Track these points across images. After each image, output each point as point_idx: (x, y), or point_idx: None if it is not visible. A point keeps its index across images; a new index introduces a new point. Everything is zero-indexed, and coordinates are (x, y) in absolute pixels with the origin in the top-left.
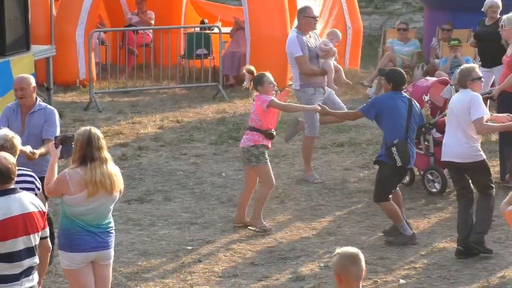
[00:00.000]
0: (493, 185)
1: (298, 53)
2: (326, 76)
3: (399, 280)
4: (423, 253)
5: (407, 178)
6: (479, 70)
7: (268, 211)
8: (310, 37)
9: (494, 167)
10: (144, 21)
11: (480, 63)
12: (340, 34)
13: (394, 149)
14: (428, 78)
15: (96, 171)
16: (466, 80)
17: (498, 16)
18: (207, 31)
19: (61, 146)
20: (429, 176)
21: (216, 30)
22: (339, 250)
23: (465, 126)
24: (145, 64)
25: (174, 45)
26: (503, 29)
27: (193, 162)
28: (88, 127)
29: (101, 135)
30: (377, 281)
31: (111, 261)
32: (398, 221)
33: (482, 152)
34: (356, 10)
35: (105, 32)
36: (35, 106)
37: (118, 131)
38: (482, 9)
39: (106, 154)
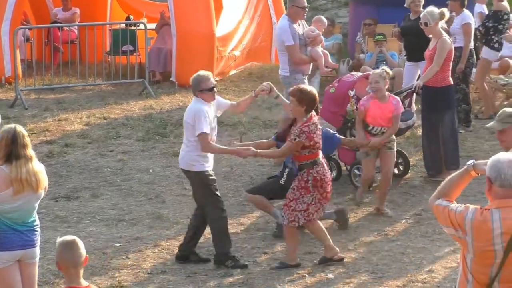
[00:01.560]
0: (211, 205)
1: (290, 42)
2: (315, 63)
3: (327, 275)
4: (350, 247)
5: (334, 173)
6: (213, 79)
7: None
8: (299, 25)
9: (421, 161)
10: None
11: (406, 56)
12: (325, 21)
13: (287, 170)
14: (353, 73)
15: (21, 169)
16: (196, 90)
17: (422, 9)
18: (133, 28)
19: None
20: (356, 171)
21: (141, 26)
22: (59, 239)
23: (187, 132)
24: (71, 61)
25: (100, 42)
26: (427, 27)
27: (120, 159)
28: (13, 125)
29: (25, 133)
30: (305, 275)
31: (37, 259)
32: (270, 211)
33: (202, 164)
34: (281, 5)
35: (30, 29)
36: None
37: (44, 128)
38: (405, 5)
39: (31, 151)
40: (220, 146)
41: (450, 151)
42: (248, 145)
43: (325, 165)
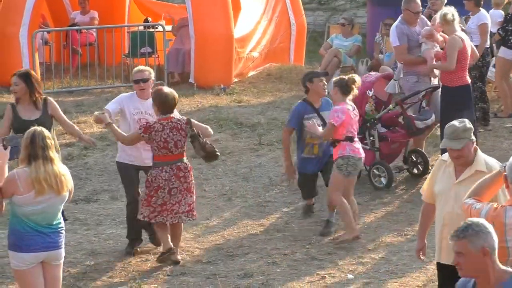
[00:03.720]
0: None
1: (396, 43)
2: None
3: (347, 275)
4: (370, 247)
5: None
6: (147, 74)
7: (216, 209)
8: (416, 25)
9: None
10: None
11: None
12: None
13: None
14: (372, 73)
15: (39, 169)
16: None
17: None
18: (151, 30)
19: (9, 147)
20: (375, 171)
21: (160, 28)
22: None
23: None
24: (90, 64)
25: (118, 44)
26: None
27: None
28: (35, 127)
29: (47, 135)
30: (325, 276)
31: (62, 261)
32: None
33: (119, 155)
34: (299, 6)
35: (48, 32)
36: None
37: (63, 131)
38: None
39: (52, 153)
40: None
41: None
42: None
43: (167, 173)
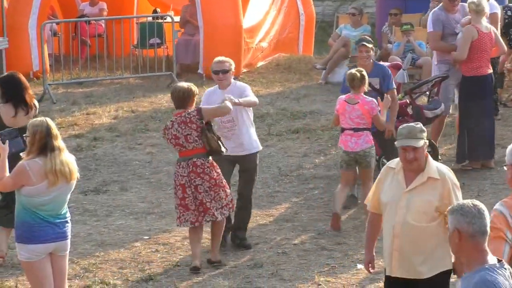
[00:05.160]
0: None
1: (430, 28)
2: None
3: (356, 265)
4: (379, 237)
5: None
6: (225, 65)
7: None
8: (455, 13)
9: (450, 151)
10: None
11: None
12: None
13: None
14: (381, 63)
15: (55, 160)
16: None
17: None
18: (160, 20)
19: (7, 141)
20: (385, 161)
21: (168, 19)
22: None
23: None
24: (99, 55)
25: (127, 35)
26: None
27: (149, 152)
28: (42, 118)
29: (54, 125)
30: (335, 266)
31: (68, 252)
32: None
33: None
34: None
35: (57, 23)
36: None
37: (72, 122)
38: None
39: (61, 143)
40: None
41: (484, 140)
42: None
43: (184, 169)
